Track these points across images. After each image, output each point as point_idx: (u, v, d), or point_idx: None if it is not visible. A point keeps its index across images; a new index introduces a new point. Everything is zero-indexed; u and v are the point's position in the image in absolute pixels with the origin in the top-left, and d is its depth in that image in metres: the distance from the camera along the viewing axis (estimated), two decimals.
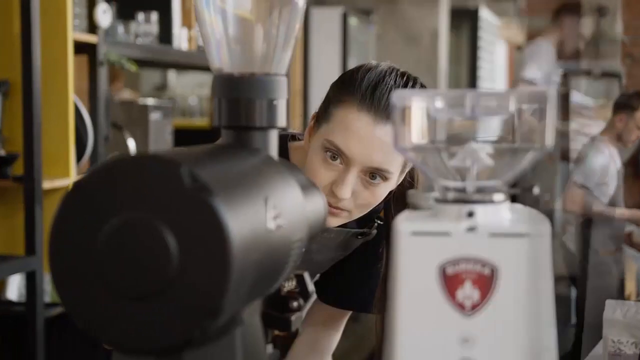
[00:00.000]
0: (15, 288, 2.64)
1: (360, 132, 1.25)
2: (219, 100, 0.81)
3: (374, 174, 1.28)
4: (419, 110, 0.71)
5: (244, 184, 0.68)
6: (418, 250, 0.69)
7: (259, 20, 0.82)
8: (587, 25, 4.67)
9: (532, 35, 10.14)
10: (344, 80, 1.30)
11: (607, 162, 4.39)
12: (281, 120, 0.83)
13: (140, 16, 3.09)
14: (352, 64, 5.97)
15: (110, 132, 2.89)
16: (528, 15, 10.35)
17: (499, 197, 0.71)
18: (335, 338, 1.55)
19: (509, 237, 0.68)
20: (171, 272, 0.60)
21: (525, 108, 0.70)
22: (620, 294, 4.26)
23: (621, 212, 4.58)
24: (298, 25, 0.84)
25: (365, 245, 1.47)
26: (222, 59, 0.82)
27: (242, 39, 0.82)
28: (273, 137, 0.82)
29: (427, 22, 5.57)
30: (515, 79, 4.65)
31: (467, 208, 0.70)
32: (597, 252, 4.41)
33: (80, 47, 2.69)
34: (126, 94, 4.36)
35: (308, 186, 0.86)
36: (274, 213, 0.69)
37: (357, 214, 1.33)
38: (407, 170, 1.36)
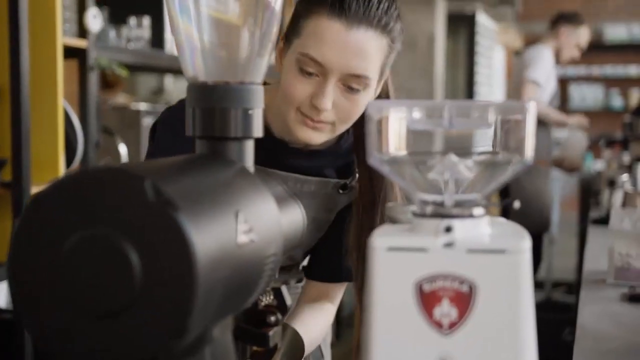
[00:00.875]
0: (3, 295, 2.61)
1: (334, 39, 1.23)
2: (193, 109, 0.79)
3: (352, 85, 1.26)
4: (395, 122, 0.69)
5: (213, 198, 0.65)
6: (394, 267, 0.67)
7: (234, 27, 0.80)
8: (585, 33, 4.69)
9: (529, 41, 10.15)
10: None
11: (551, 64, 4.55)
12: (257, 130, 0.80)
13: (132, 20, 3.07)
14: None
15: (101, 137, 2.87)
16: (525, 20, 10.35)
17: (478, 211, 0.69)
18: (332, 311, 1.51)
19: (487, 253, 0.66)
20: (134, 290, 0.58)
21: (505, 120, 0.68)
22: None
23: (575, 119, 4.79)
24: (275, 31, 0.81)
25: (343, 213, 1.46)
26: (196, 67, 0.80)
27: (217, 47, 0.80)
28: (249, 147, 0.80)
29: (424, 27, 5.55)
30: (516, 80, 4.65)
31: (444, 223, 0.68)
32: (534, 161, 4.51)
33: (71, 52, 2.66)
34: (121, 99, 4.33)
35: (284, 198, 0.84)
36: (245, 227, 0.67)
37: (341, 128, 1.31)
38: (384, 78, 1.34)
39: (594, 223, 2.98)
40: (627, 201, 2.87)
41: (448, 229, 0.68)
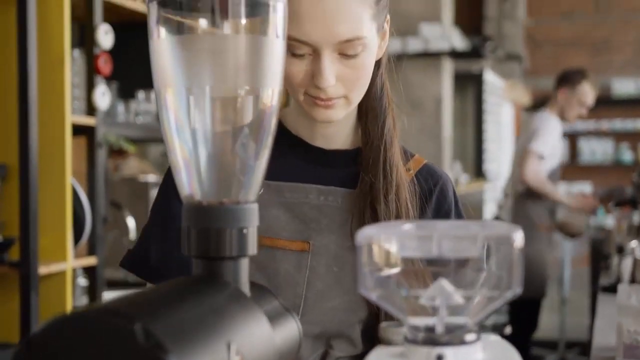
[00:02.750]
0: None
1: (309, 12, 1.12)
2: (188, 229, 0.80)
3: (348, 52, 1.15)
4: (384, 249, 0.70)
5: (205, 331, 0.66)
6: None
7: (228, 147, 0.81)
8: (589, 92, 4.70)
9: (537, 96, 10.21)
10: None
11: (558, 134, 4.53)
12: (252, 248, 0.81)
13: (141, 95, 3.11)
14: None
15: (109, 211, 2.88)
16: (533, 76, 10.43)
17: (470, 337, 0.69)
18: None
19: None
20: None
21: (494, 247, 0.68)
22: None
23: (571, 200, 4.75)
24: (267, 152, 0.82)
25: None
26: (191, 187, 0.81)
27: (212, 167, 0.81)
28: (244, 266, 0.81)
29: (431, 89, 5.60)
30: (520, 147, 4.64)
31: (436, 351, 0.68)
32: (535, 225, 4.46)
33: (79, 129, 2.70)
34: (133, 163, 4.37)
35: (280, 313, 0.84)
36: (238, 358, 0.67)
37: (356, 97, 1.21)
38: (385, 27, 1.24)
39: (604, 291, 2.95)
40: (636, 268, 2.86)
41: (440, 358, 0.68)
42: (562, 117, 4.59)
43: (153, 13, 0.79)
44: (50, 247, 2.52)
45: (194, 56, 0.79)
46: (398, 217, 1.25)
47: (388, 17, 1.24)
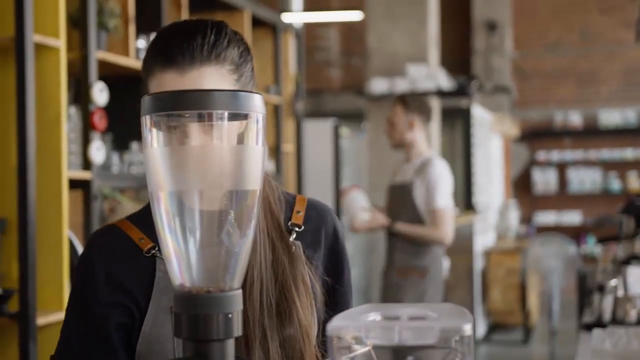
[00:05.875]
0: None
1: (172, 87, 1.23)
2: (179, 315, 0.90)
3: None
4: (353, 339, 0.79)
5: None
6: None
7: (215, 240, 0.91)
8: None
9: (526, 128, 10.35)
10: (145, 57, 1.30)
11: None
12: (237, 330, 0.91)
13: (135, 146, 3.21)
14: (345, 172, 6.10)
15: None
16: (522, 107, 10.59)
17: None
18: None
19: None
20: None
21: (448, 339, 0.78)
22: None
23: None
24: (250, 240, 0.92)
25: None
26: (182, 276, 0.91)
27: (200, 259, 0.91)
28: (230, 347, 0.90)
29: None
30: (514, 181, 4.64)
31: None
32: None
33: (75, 183, 2.80)
34: (127, 206, 4.44)
35: None
36: None
37: None
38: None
39: (586, 328, 3.03)
40: (618, 307, 2.94)
41: None
42: None
43: (147, 125, 0.90)
44: (48, 297, 2.60)
45: (183, 164, 0.90)
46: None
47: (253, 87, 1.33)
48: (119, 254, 1.33)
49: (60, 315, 2.64)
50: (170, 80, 1.25)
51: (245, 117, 0.91)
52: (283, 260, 1.30)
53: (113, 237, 1.34)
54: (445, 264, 4.19)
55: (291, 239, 1.33)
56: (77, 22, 2.94)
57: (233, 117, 0.90)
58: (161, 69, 1.26)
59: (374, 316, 0.83)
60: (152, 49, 1.29)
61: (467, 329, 0.77)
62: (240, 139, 0.91)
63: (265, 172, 1.33)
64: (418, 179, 3.95)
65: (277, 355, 1.26)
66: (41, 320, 2.53)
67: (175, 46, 1.25)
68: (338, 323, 0.81)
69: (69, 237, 2.67)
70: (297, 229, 1.35)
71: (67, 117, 2.75)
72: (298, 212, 1.38)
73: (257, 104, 0.92)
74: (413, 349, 0.80)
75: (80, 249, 2.71)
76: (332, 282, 1.37)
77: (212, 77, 1.26)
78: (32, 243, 2.51)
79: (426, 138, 4.08)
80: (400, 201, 4.00)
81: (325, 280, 1.36)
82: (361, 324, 0.80)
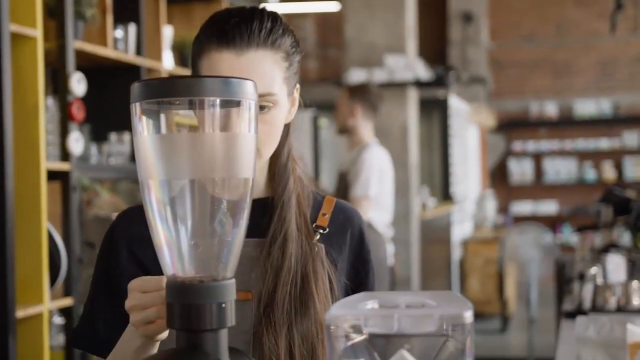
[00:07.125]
0: None
1: (226, 68, 1.23)
2: (172, 305, 0.88)
3: (260, 104, 1.20)
4: (352, 329, 0.78)
5: None
6: None
7: (207, 230, 0.90)
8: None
9: (502, 117, 10.40)
10: (198, 36, 1.30)
11: None
12: (230, 320, 0.89)
13: (113, 137, 3.18)
14: (324, 163, 6.09)
15: (84, 252, 2.94)
16: (498, 98, 10.62)
17: None
18: None
19: None
20: None
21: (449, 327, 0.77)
22: None
23: None
24: (243, 230, 0.91)
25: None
26: (174, 266, 0.90)
27: (192, 249, 0.89)
28: (223, 337, 0.89)
29: (397, 117, 5.71)
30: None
31: None
32: None
33: (54, 174, 2.76)
34: (105, 198, 4.40)
35: None
36: None
37: (267, 151, 1.28)
38: (295, 91, 1.33)
39: (566, 316, 3.05)
40: (597, 294, 2.96)
41: None
42: None
43: (137, 112, 0.88)
44: (27, 290, 2.57)
45: (174, 151, 0.88)
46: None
47: (298, 86, 1.35)
48: (139, 236, 1.26)
49: (40, 308, 2.61)
50: (225, 60, 1.24)
51: (237, 104, 0.89)
52: (307, 254, 1.29)
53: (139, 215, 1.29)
54: (390, 249, 4.16)
55: (314, 241, 1.32)
56: (54, 12, 2.89)
57: (225, 104, 0.89)
58: (217, 48, 1.24)
59: (372, 304, 0.82)
60: (206, 28, 1.28)
61: (468, 316, 0.76)
62: (233, 126, 0.89)
63: (301, 171, 1.34)
64: (352, 167, 3.98)
65: (299, 345, 1.25)
66: (20, 313, 2.51)
67: (233, 27, 1.25)
68: (336, 312, 0.80)
69: (48, 229, 2.64)
70: (321, 231, 1.34)
71: (45, 108, 2.72)
72: (324, 214, 1.37)
73: (249, 90, 0.90)
74: (412, 337, 0.79)
75: (58, 240, 2.68)
76: (355, 285, 1.36)
77: (268, 60, 1.25)
78: (10, 235, 2.47)
79: (370, 128, 4.12)
80: (340, 189, 4.03)
81: (346, 283, 1.36)
82: (360, 312, 0.79)
